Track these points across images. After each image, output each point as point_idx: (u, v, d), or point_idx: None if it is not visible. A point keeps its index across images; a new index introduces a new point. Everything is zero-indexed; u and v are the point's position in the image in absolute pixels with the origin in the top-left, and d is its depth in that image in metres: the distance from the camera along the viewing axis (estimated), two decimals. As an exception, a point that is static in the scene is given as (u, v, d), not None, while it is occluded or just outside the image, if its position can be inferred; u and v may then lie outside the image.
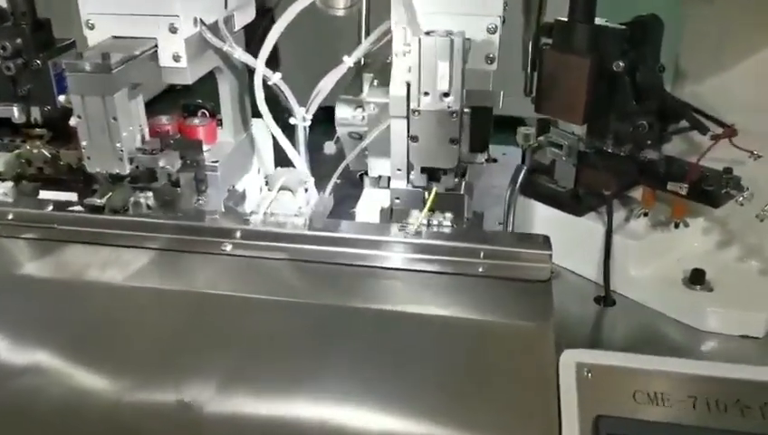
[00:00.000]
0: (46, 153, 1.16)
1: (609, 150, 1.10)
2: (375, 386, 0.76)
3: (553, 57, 1.09)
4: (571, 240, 1.10)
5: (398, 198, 1.08)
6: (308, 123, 1.15)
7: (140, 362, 0.82)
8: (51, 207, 1.04)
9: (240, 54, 1.10)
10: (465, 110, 1.01)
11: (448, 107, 0.97)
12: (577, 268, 1.15)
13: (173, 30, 1.02)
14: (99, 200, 1.00)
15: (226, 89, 1.19)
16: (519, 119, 1.35)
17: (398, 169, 1.07)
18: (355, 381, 0.77)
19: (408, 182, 1.07)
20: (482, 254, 0.90)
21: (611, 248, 1.08)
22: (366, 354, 0.79)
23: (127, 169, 1.02)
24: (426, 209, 0.99)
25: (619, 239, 1.09)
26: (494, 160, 1.52)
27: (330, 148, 1.54)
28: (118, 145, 0.99)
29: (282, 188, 1.03)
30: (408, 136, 1.01)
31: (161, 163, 1.03)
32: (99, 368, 0.82)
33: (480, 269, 0.89)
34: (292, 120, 1.15)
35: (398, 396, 0.75)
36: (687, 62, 1.13)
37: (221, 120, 1.23)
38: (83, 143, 1.00)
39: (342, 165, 1.14)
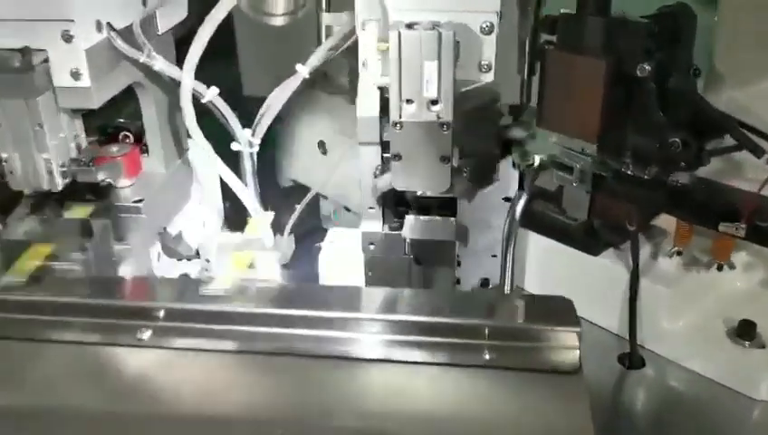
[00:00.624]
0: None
1: (630, 173, 0.89)
2: None
3: (559, 59, 0.89)
4: (586, 284, 0.92)
5: (372, 244, 0.86)
6: (255, 150, 0.91)
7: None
8: None
9: (162, 66, 0.86)
10: None
11: (438, 117, 0.75)
12: (594, 318, 0.95)
13: (68, 38, 0.77)
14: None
15: (151, 108, 0.95)
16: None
17: (371, 208, 0.85)
18: None
19: (383, 223, 0.86)
20: (486, 332, 0.68)
21: (638, 295, 0.88)
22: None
23: (59, 185, 0.86)
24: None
25: (648, 284, 0.89)
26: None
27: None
28: (45, 157, 0.83)
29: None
30: (390, 155, 0.78)
31: (100, 175, 0.88)
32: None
33: (486, 356, 0.66)
34: (234, 146, 0.91)
35: None
36: (724, 63, 0.92)
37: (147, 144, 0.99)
38: (4, 156, 0.85)
39: (304, 201, 0.91)
